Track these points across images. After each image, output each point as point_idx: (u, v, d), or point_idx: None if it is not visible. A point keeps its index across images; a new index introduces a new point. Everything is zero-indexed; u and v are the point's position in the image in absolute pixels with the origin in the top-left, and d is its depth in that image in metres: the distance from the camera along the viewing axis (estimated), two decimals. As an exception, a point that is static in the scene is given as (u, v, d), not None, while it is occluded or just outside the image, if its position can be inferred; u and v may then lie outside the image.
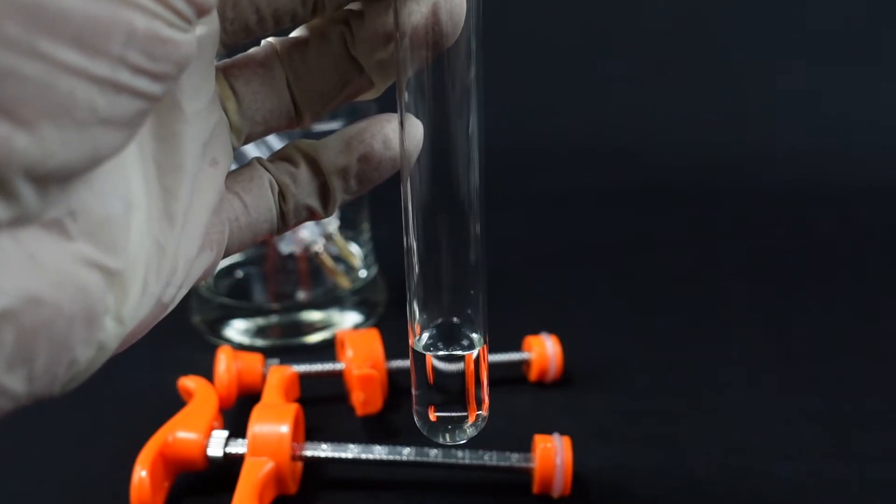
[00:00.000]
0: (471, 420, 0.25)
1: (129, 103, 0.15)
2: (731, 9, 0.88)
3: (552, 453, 0.34)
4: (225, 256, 0.22)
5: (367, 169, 0.23)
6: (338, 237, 0.50)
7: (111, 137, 0.15)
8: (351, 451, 0.35)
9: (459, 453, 0.35)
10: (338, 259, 0.51)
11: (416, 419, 0.25)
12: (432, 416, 0.25)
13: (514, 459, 0.35)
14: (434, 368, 0.24)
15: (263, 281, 0.53)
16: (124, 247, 0.17)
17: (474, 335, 0.25)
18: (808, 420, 0.41)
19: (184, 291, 0.20)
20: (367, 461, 0.35)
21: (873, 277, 0.58)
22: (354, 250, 0.52)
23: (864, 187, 0.76)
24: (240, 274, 0.53)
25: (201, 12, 0.16)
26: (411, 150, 0.22)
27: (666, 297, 0.56)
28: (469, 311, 0.24)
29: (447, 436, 0.25)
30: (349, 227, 0.51)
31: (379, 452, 0.35)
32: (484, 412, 0.25)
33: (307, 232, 0.48)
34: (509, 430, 0.40)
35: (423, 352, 0.24)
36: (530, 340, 0.44)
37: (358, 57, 0.22)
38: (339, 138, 0.23)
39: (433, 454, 0.35)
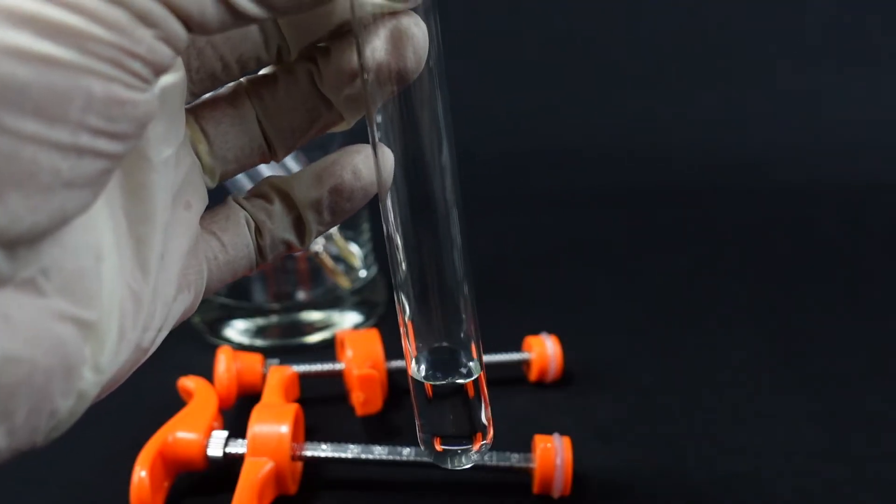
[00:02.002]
0: (475, 448, 0.25)
1: (91, 164, 0.15)
2: (731, 9, 0.88)
3: (552, 453, 0.34)
4: (205, 296, 0.22)
5: (338, 200, 0.23)
6: (338, 237, 0.50)
7: (76, 197, 0.16)
8: (351, 451, 0.35)
9: (459, 453, 0.35)
10: (338, 259, 0.51)
11: (421, 446, 0.25)
12: (438, 447, 0.25)
13: (514, 459, 0.35)
14: (434, 396, 0.24)
15: (263, 281, 0.53)
16: (97, 298, 0.17)
17: (471, 363, 0.25)
18: (808, 420, 0.41)
19: (163, 334, 0.21)
20: (367, 461, 0.35)
21: (873, 277, 0.58)
22: (354, 250, 0.52)
23: (864, 187, 0.76)
24: (240, 274, 0.53)
25: (158, 71, 0.16)
26: (384, 178, 0.22)
27: (666, 298, 0.56)
28: (462, 336, 0.24)
29: (453, 462, 0.25)
30: (349, 227, 0.51)
31: (379, 452, 0.35)
32: (488, 440, 0.25)
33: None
34: (509, 430, 0.40)
35: (422, 380, 0.24)
36: (530, 340, 0.44)
37: (326, 92, 0.22)
38: (311, 172, 0.23)
39: (433, 454, 0.35)
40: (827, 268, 0.60)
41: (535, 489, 0.35)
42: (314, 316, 0.50)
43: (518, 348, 0.44)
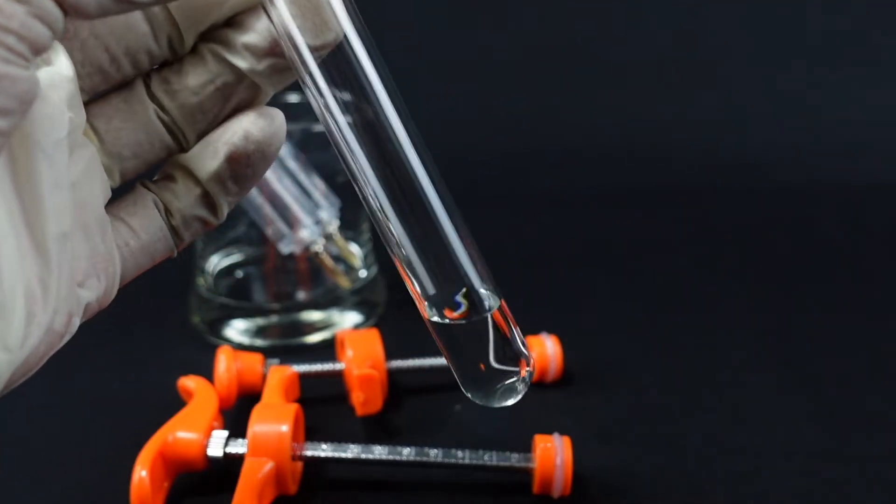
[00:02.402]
0: (522, 374, 0.25)
1: None
2: (731, 9, 0.88)
3: (552, 453, 0.34)
4: (124, 282, 0.23)
5: (237, 168, 0.23)
6: (338, 237, 0.50)
7: None
8: (351, 451, 0.35)
9: (459, 453, 0.35)
10: (338, 259, 0.51)
11: (466, 393, 0.24)
12: (483, 384, 0.24)
13: (514, 459, 0.35)
14: (463, 338, 0.24)
15: (263, 281, 0.53)
16: None
17: (483, 291, 0.24)
18: (808, 420, 0.41)
19: (77, 320, 0.21)
20: (367, 461, 0.35)
21: (873, 277, 0.58)
22: (354, 250, 0.52)
23: (864, 187, 0.76)
24: (240, 274, 0.53)
25: (36, 49, 0.17)
26: (275, 136, 0.23)
27: (666, 297, 0.56)
28: (467, 276, 0.24)
29: (503, 397, 0.25)
30: (349, 227, 0.51)
31: (379, 452, 0.35)
32: (531, 367, 0.25)
33: (307, 232, 0.48)
34: (509, 430, 0.40)
35: (443, 321, 0.24)
36: (530, 340, 0.44)
37: (239, 64, 0.22)
38: (206, 145, 0.23)
39: (433, 454, 0.35)
40: (827, 268, 0.60)
41: (535, 489, 0.35)
42: (314, 316, 0.50)
43: (518, 348, 0.44)
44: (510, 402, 0.25)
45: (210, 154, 0.23)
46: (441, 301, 0.24)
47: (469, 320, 0.24)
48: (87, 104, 0.22)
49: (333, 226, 0.49)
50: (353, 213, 0.51)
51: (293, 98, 0.53)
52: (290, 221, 0.48)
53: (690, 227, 0.69)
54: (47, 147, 0.19)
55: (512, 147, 0.83)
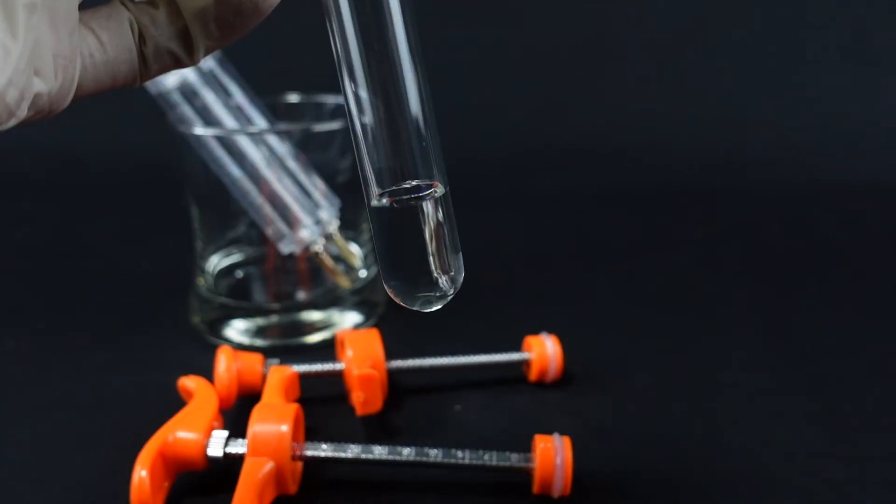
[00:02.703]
0: (442, 273, 0.24)
1: None
2: (731, 9, 0.88)
3: (552, 453, 0.34)
4: (81, 95, 0.22)
5: (225, 12, 0.22)
6: (338, 237, 0.50)
7: None
8: (351, 451, 0.35)
9: (459, 453, 0.35)
10: (338, 259, 0.51)
11: (389, 293, 0.24)
12: (405, 279, 0.24)
13: (514, 459, 0.35)
14: (393, 222, 0.24)
15: (263, 281, 0.53)
16: None
17: (430, 181, 0.24)
18: (808, 420, 0.41)
19: (26, 106, 0.20)
20: (367, 461, 0.35)
21: (873, 277, 0.58)
22: (354, 250, 0.52)
23: (864, 187, 0.76)
24: (240, 274, 0.53)
25: None
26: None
27: (666, 298, 0.56)
28: (418, 162, 0.24)
29: (422, 301, 0.24)
30: (349, 227, 0.51)
31: (379, 452, 0.35)
32: (453, 269, 0.24)
33: (307, 232, 0.48)
34: (509, 430, 0.40)
35: (383, 204, 0.24)
36: (530, 340, 0.44)
37: None
38: None
39: (433, 454, 0.35)
40: (827, 268, 0.60)
41: (535, 489, 0.35)
42: (314, 316, 0.50)
43: (518, 348, 0.44)
44: (430, 308, 0.24)
45: None
46: (388, 181, 0.24)
47: (405, 204, 0.24)
48: None
49: (333, 226, 0.49)
50: (353, 213, 0.51)
51: (294, 99, 0.53)
52: (290, 221, 0.48)
53: (690, 227, 0.69)
54: None
55: (512, 147, 0.83)
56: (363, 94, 0.23)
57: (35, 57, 0.20)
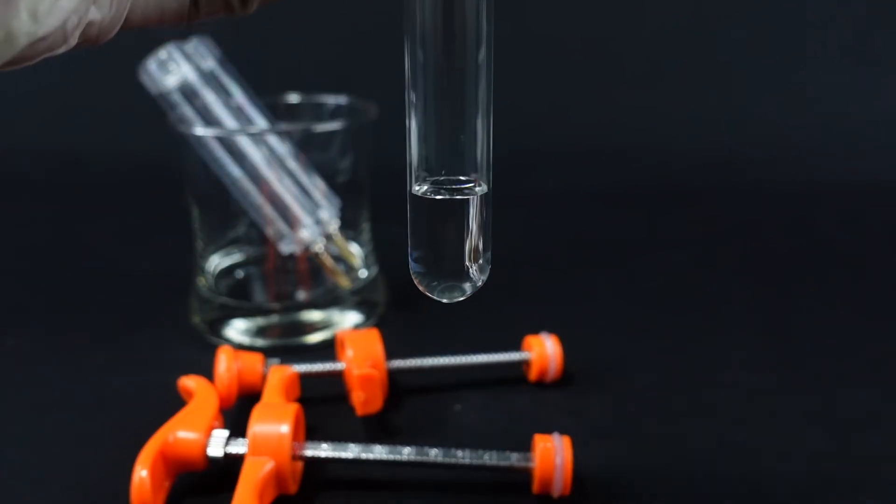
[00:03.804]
0: (471, 272, 0.25)
1: None
2: (731, 9, 0.88)
3: (552, 453, 0.34)
4: (128, 27, 0.22)
5: None
6: (338, 237, 0.50)
7: None
8: (351, 451, 0.35)
9: (459, 453, 0.35)
10: (338, 259, 0.51)
11: (415, 278, 0.25)
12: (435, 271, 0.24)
13: (514, 459, 0.35)
14: (432, 214, 0.24)
15: (264, 281, 0.53)
16: None
17: (472, 177, 0.24)
18: (808, 420, 0.41)
19: (78, 34, 0.20)
20: (367, 461, 0.35)
21: (873, 277, 0.58)
22: (354, 250, 0.52)
23: (864, 186, 0.76)
24: (240, 274, 0.53)
25: None
26: None
27: (666, 297, 0.56)
28: (466, 157, 0.24)
29: (449, 292, 0.25)
30: (349, 227, 0.51)
31: (379, 452, 0.35)
32: (482, 261, 0.25)
33: (307, 232, 0.48)
34: (509, 430, 0.40)
35: (422, 195, 0.24)
36: (530, 340, 0.44)
37: None
38: None
39: (433, 454, 0.35)
40: (827, 268, 0.60)
41: (535, 489, 0.35)
42: (314, 316, 0.50)
43: (518, 348, 0.44)
44: (453, 298, 0.25)
45: None
46: (433, 171, 0.24)
47: (451, 197, 0.24)
48: None
49: (333, 226, 0.49)
50: (353, 213, 0.52)
51: (294, 99, 0.53)
52: (290, 221, 0.48)
53: (690, 226, 0.69)
54: None
55: (512, 147, 0.83)
56: (422, 87, 0.23)
57: None
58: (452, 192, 0.24)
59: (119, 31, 0.21)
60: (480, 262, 0.25)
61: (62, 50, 0.20)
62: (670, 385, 0.44)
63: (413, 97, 0.24)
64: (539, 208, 0.74)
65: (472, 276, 0.25)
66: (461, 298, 0.25)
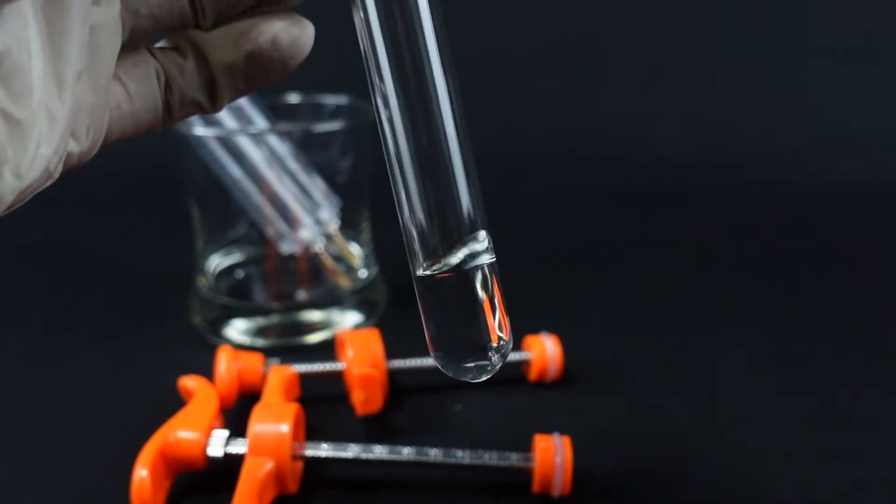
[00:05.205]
0: (494, 342, 0.23)
1: None
2: (730, 9, 0.88)
3: (552, 453, 0.34)
4: (106, 144, 0.22)
5: (254, 69, 0.22)
6: (338, 237, 0.50)
7: None
8: (351, 451, 0.35)
9: (459, 453, 0.35)
10: (338, 259, 0.51)
11: (437, 362, 0.24)
12: (455, 353, 0.23)
13: (514, 459, 0.35)
14: (446, 292, 0.23)
15: (264, 281, 0.53)
16: (28, 98, 0.18)
17: (478, 244, 0.24)
18: (808, 420, 0.41)
19: (60, 167, 0.20)
20: (367, 461, 0.35)
21: (873, 277, 0.58)
22: (354, 250, 0.52)
23: (864, 187, 0.76)
24: (240, 274, 0.53)
25: None
26: (296, 48, 0.22)
27: (666, 298, 0.56)
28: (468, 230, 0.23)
29: (475, 372, 0.23)
30: (349, 227, 0.51)
31: (379, 452, 0.35)
32: (506, 336, 0.24)
33: (307, 232, 0.48)
34: (509, 430, 0.40)
35: (431, 273, 0.23)
36: (530, 340, 0.44)
37: None
38: (228, 33, 0.22)
39: (433, 454, 0.35)
40: (827, 268, 0.60)
41: (535, 489, 0.35)
42: (314, 316, 0.50)
43: (518, 348, 0.44)
44: (480, 378, 0.24)
45: (230, 44, 0.22)
46: (436, 252, 0.23)
47: (457, 276, 0.23)
48: None
49: (333, 226, 0.49)
50: (354, 213, 0.52)
51: (294, 99, 0.53)
52: (291, 221, 0.48)
53: (690, 226, 0.69)
54: None
55: (512, 147, 0.83)
56: (411, 185, 0.23)
57: (74, 119, 0.20)
58: (457, 266, 0.23)
59: (99, 148, 0.22)
60: (505, 335, 0.24)
61: (47, 185, 0.20)
62: (670, 385, 0.44)
63: (395, 182, 0.23)
64: (539, 208, 0.74)
65: (492, 357, 0.24)
66: (489, 377, 0.24)
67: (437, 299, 0.23)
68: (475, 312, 0.23)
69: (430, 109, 0.22)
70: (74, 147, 0.20)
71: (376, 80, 0.22)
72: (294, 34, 0.22)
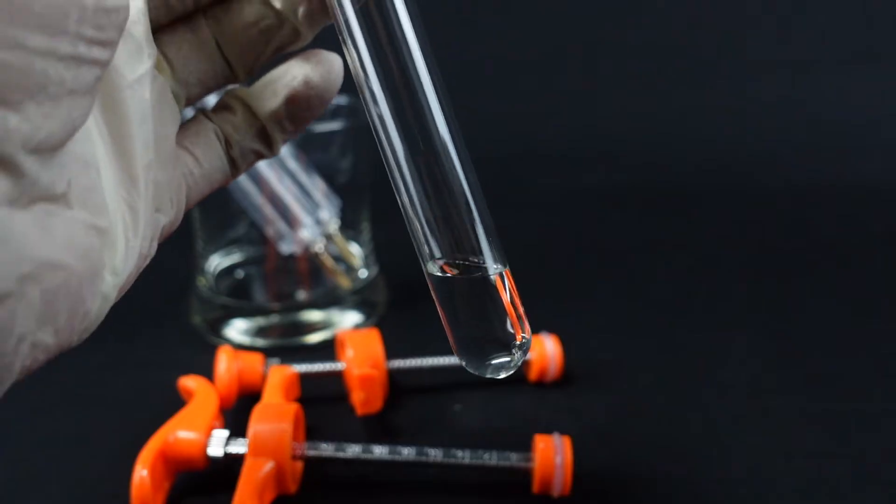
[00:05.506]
0: (518, 340, 0.24)
1: (88, 72, 0.17)
2: (730, 9, 0.88)
3: (552, 453, 0.34)
4: (188, 208, 0.24)
5: (296, 110, 0.24)
6: (338, 237, 0.50)
7: (79, 105, 0.17)
8: (351, 451, 0.35)
9: (459, 453, 0.35)
10: (338, 259, 0.51)
11: (461, 361, 0.24)
12: (476, 351, 0.24)
13: (514, 459, 0.35)
14: (465, 290, 0.24)
15: (264, 281, 0.53)
16: (105, 208, 0.19)
17: (488, 259, 0.24)
18: (808, 420, 0.41)
19: (156, 244, 0.22)
20: (367, 461, 0.35)
21: (873, 277, 0.58)
22: (354, 250, 0.52)
23: (864, 187, 0.76)
24: (240, 274, 0.53)
25: None
26: (332, 83, 0.23)
27: (666, 297, 0.56)
28: (473, 245, 0.24)
29: (496, 369, 0.24)
30: (349, 227, 0.51)
31: (379, 452, 0.35)
32: (527, 333, 0.24)
33: (307, 232, 0.48)
34: (509, 430, 0.40)
35: (444, 274, 0.23)
36: (530, 340, 0.44)
37: (282, 9, 0.23)
38: (266, 84, 0.24)
39: (433, 454, 0.35)
40: (827, 268, 0.60)
41: (535, 489, 0.35)
42: (314, 316, 0.50)
43: (518, 348, 0.44)
44: (502, 375, 0.24)
45: (270, 93, 0.24)
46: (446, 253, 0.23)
47: (469, 276, 0.23)
48: (155, 33, 0.22)
49: (333, 226, 0.49)
50: (354, 213, 0.52)
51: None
52: (291, 221, 0.48)
53: (690, 227, 0.69)
54: (132, 81, 0.20)
55: (512, 147, 0.83)
56: (412, 186, 0.23)
57: (155, 198, 0.21)
58: (468, 268, 0.23)
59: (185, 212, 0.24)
60: (526, 333, 0.24)
61: (148, 262, 0.22)
62: (670, 385, 0.44)
63: (399, 192, 0.24)
64: (539, 208, 0.74)
65: (514, 354, 0.24)
66: (510, 373, 0.24)
67: (460, 299, 0.24)
68: (499, 312, 0.24)
69: (423, 121, 0.23)
70: (163, 220, 0.22)
71: (370, 103, 0.24)
72: (323, 72, 0.24)
